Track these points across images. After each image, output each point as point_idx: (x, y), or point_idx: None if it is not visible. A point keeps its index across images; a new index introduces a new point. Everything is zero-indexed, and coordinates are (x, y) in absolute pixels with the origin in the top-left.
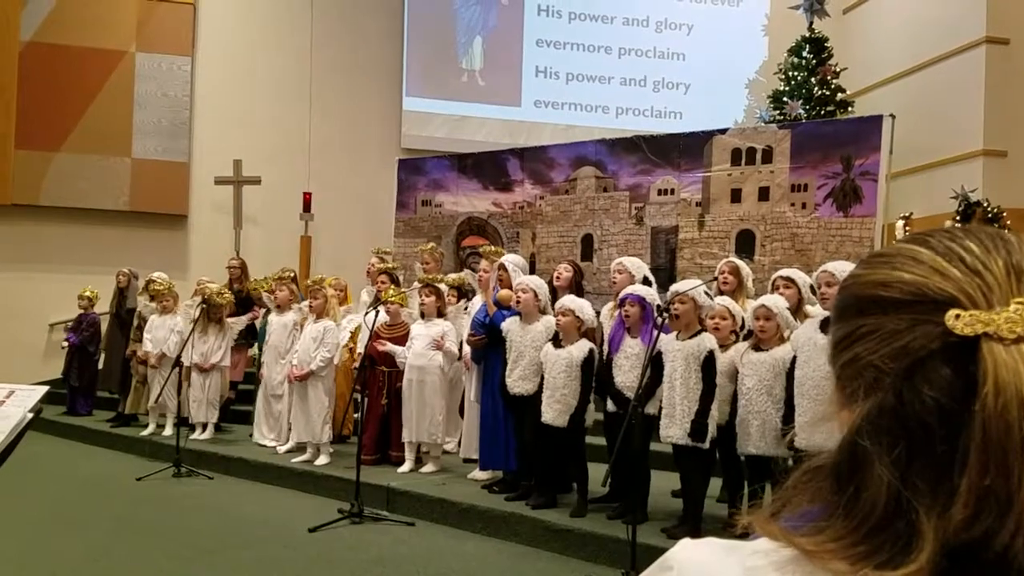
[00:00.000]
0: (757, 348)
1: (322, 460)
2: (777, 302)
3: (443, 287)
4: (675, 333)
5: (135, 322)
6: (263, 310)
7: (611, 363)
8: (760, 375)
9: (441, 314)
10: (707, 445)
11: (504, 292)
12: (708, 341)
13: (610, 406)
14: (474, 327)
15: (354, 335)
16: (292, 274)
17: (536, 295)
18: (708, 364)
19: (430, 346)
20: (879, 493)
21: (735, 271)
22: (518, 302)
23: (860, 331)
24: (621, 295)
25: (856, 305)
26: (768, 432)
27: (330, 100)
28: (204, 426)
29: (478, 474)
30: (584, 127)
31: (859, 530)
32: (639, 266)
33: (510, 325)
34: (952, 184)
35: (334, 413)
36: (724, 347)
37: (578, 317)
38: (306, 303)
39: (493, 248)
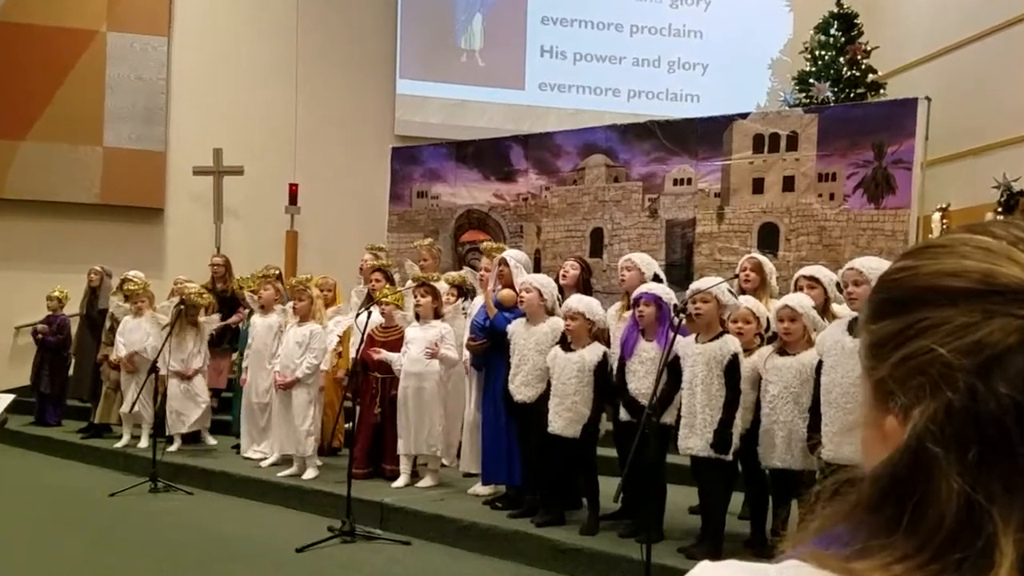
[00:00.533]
0: (782, 352)
1: (309, 474)
2: (802, 302)
3: (442, 286)
4: (694, 336)
5: (107, 324)
6: (247, 311)
7: (623, 368)
8: (785, 382)
9: (438, 315)
10: (730, 457)
11: (506, 292)
12: (731, 344)
13: (623, 415)
14: (474, 331)
15: (344, 338)
16: (277, 272)
17: (541, 295)
18: (732, 369)
19: (426, 352)
20: (948, 504)
21: (757, 268)
22: (522, 302)
23: (922, 324)
24: (635, 294)
25: (914, 297)
26: (795, 443)
27: (318, 84)
28: (186, 436)
29: (479, 489)
30: (593, 112)
31: (927, 548)
32: (648, 263)
33: (515, 327)
34: (994, 172)
35: (323, 424)
36: (747, 351)
37: (588, 319)
38: (291, 304)
39: (495, 244)
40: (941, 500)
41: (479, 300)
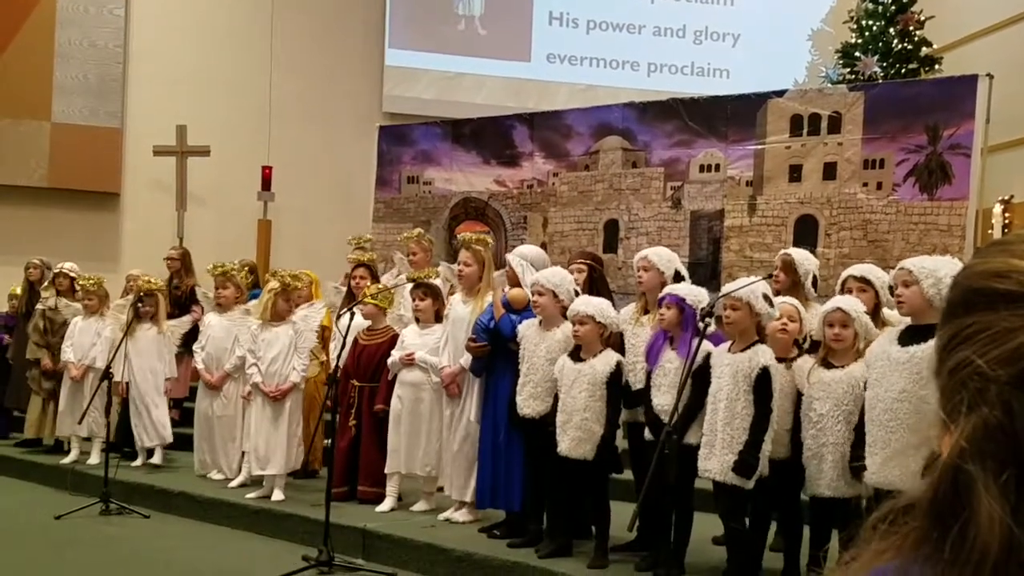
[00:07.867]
0: (827, 364)
1: (277, 495)
2: (855, 306)
3: (439, 282)
4: (728, 343)
5: (42, 324)
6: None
7: (648, 380)
8: (835, 398)
9: (440, 318)
10: (751, 484)
11: (516, 291)
12: (763, 355)
13: (646, 434)
14: (476, 331)
15: (324, 339)
16: (247, 266)
17: (556, 295)
18: (762, 384)
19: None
20: (991, 533)
21: (787, 266)
22: (535, 305)
23: (967, 331)
24: (661, 294)
25: (965, 300)
26: (847, 469)
27: (296, 53)
28: (149, 452)
29: (455, 515)
30: (608, 88)
31: None
32: (668, 259)
33: (525, 330)
34: None
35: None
36: (783, 360)
37: (599, 323)
38: (253, 303)
39: (475, 235)
40: (982, 529)
41: (458, 297)
